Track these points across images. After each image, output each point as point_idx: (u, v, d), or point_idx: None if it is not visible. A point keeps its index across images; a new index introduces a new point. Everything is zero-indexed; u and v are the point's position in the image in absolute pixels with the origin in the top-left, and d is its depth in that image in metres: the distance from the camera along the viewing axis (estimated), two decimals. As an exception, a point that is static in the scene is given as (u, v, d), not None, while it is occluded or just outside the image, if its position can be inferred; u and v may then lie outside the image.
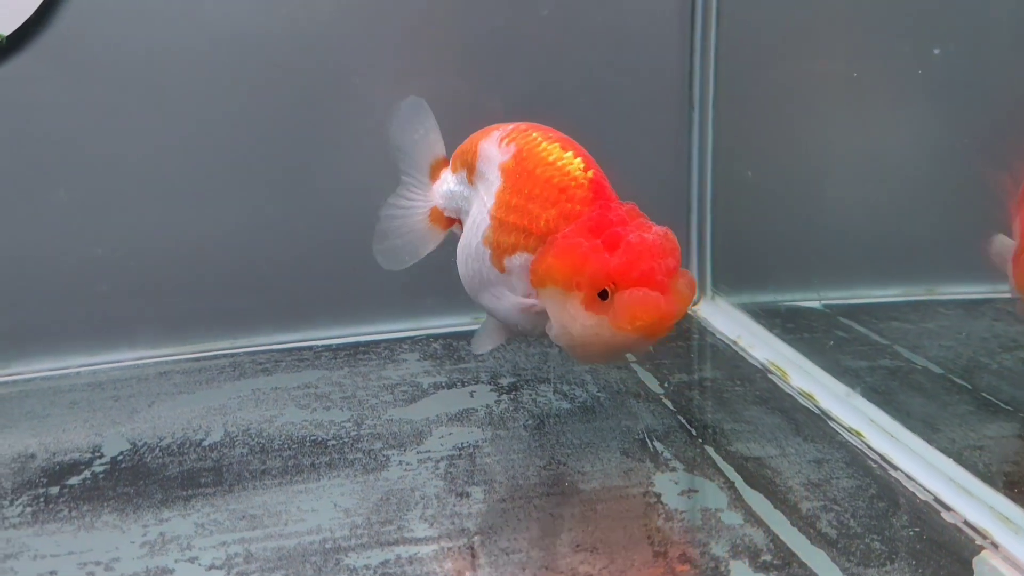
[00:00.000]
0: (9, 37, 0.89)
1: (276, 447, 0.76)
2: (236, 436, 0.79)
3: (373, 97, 0.97)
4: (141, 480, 0.72)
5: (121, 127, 0.95)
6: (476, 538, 0.61)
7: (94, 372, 0.95)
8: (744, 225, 1.07)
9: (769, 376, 0.89)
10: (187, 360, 0.98)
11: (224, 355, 0.99)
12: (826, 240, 1.05)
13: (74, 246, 0.96)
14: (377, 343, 1.01)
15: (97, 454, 0.76)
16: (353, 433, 0.78)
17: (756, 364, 0.92)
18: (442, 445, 0.75)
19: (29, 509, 0.68)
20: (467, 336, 1.00)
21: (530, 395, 0.85)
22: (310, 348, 1.01)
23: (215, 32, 0.95)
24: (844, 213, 1.04)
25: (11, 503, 0.69)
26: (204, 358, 0.98)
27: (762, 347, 0.94)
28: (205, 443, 0.78)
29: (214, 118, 0.97)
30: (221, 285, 1.00)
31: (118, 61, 0.93)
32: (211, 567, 0.59)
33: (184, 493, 0.69)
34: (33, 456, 0.76)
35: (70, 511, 0.67)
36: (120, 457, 0.75)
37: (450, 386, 0.88)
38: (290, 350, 1.00)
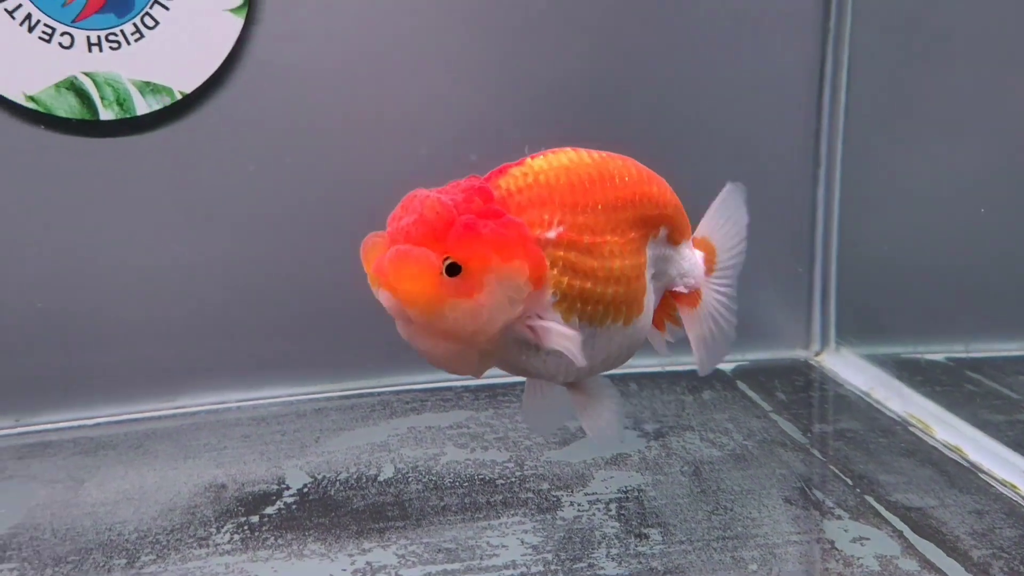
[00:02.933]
0: (189, 95, 0.99)
1: (448, 484, 0.83)
2: (407, 473, 0.86)
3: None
4: (332, 512, 0.79)
5: (276, 180, 1.04)
6: (667, 577, 0.67)
7: (254, 407, 1.04)
8: (868, 277, 1.13)
9: (910, 428, 0.94)
10: (339, 397, 1.06)
11: (372, 393, 1.06)
12: (951, 292, 1.10)
13: (235, 286, 1.05)
14: (514, 385, 1.08)
15: (284, 486, 0.84)
16: (518, 473, 0.85)
17: (894, 416, 0.97)
18: (606, 488, 0.82)
19: (237, 536, 0.75)
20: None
21: (678, 441, 0.91)
22: (450, 388, 1.08)
23: (369, 95, 1.04)
24: (968, 266, 1.10)
25: (217, 530, 0.76)
26: (353, 396, 1.06)
27: (897, 399, 0.99)
28: (380, 479, 0.85)
29: (354, 178, 1.05)
30: (371, 324, 1.08)
31: (281, 120, 1.03)
32: (425, 596, 0.66)
33: (376, 525, 0.76)
34: (224, 486, 0.84)
35: (275, 539, 0.75)
36: (306, 489, 0.83)
37: (598, 430, 0.94)
38: (432, 390, 1.07)
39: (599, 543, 0.72)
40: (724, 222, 0.76)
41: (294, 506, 0.80)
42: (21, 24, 0.93)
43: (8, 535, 0.76)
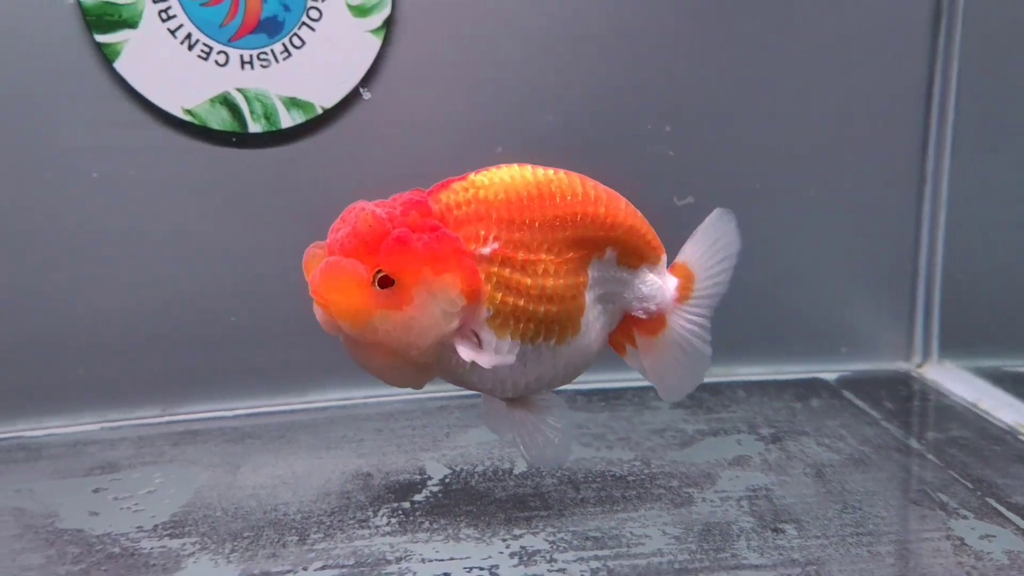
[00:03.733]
0: (329, 109, 1.07)
1: (581, 479, 0.89)
2: (539, 468, 0.91)
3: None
4: (477, 500, 0.85)
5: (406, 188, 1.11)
6: (810, 568, 0.71)
7: (380, 403, 1.10)
8: (973, 291, 1.16)
9: (1020, 437, 0.97)
10: (458, 396, 1.12)
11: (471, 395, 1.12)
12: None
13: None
14: (624, 390, 1.13)
15: (426, 476, 0.90)
16: (646, 471, 0.90)
17: (1003, 426, 1.00)
18: (734, 486, 0.86)
19: (393, 520, 0.82)
20: (708, 388, 1.12)
21: (795, 445, 0.95)
22: (562, 392, 1.13)
23: (489, 96, 1.10)
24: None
25: (374, 514, 0.83)
26: (473, 395, 1.12)
27: (1006, 410, 1.02)
28: (515, 472, 0.91)
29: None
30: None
31: (411, 132, 1.10)
32: (583, 577, 0.71)
33: (522, 515, 0.82)
34: (370, 475, 0.91)
35: (430, 523, 0.81)
36: (447, 480, 0.89)
37: (714, 433, 0.99)
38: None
39: (738, 536, 0.77)
40: (707, 249, 0.74)
41: (440, 494, 0.86)
42: (182, 43, 1.02)
43: (183, 512, 0.84)
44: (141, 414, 1.07)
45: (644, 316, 0.71)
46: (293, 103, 1.06)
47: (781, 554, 0.74)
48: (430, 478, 0.90)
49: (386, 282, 0.59)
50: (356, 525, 0.81)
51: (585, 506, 0.83)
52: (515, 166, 0.66)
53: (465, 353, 0.62)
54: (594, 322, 0.67)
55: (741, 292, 1.18)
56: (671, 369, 0.73)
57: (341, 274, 0.59)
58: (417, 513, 0.83)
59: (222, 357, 1.10)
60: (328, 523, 0.81)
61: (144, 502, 0.86)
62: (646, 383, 1.12)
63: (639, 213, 0.70)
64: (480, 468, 0.92)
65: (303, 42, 1.05)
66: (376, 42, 1.06)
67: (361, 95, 0.80)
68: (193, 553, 0.77)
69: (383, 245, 0.59)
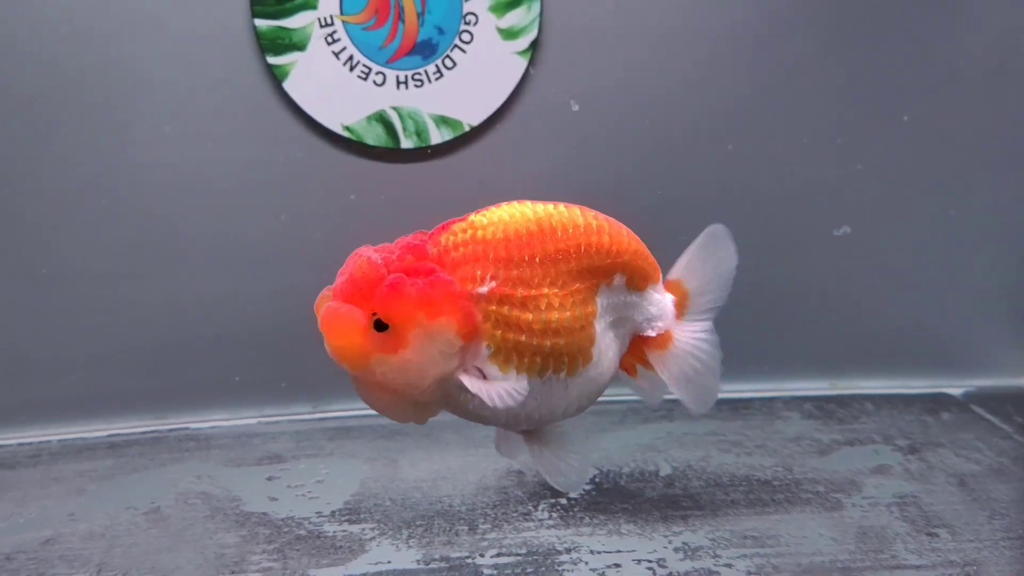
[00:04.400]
0: (475, 127, 1.13)
1: (727, 483, 0.93)
2: (684, 471, 0.96)
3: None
4: (630, 499, 0.89)
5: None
6: (968, 568, 0.74)
7: (517, 407, 1.16)
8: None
9: None
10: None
11: (621, 401, 1.17)
12: None
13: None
14: (751, 400, 1.17)
15: (577, 475, 0.95)
16: (790, 477, 0.94)
17: None
18: (881, 492, 0.89)
19: (555, 514, 0.87)
20: (836, 400, 1.15)
21: (934, 456, 0.98)
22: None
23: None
24: None
25: (535, 508, 0.88)
26: (605, 402, 1.16)
27: None
28: (661, 474, 0.95)
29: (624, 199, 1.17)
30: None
31: (553, 150, 1.15)
32: (750, 572, 0.75)
33: (677, 513, 0.86)
34: (522, 473, 0.96)
35: (590, 519, 0.86)
36: (597, 479, 0.94)
37: (850, 443, 1.02)
38: (663, 402, 1.16)
39: (893, 539, 0.80)
40: (701, 265, 0.77)
41: (593, 492, 0.91)
42: (344, 64, 1.09)
43: (354, 500, 0.90)
44: (295, 410, 1.15)
45: (654, 334, 0.73)
46: (443, 121, 1.13)
47: (938, 556, 0.77)
48: (580, 477, 0.95)
49: (382, 326, 0.63)
50: (520, 518, 0.86)
51: (737, 507, 0.87)
52: (515, 203, 0.69)
53: (472, 385, 0.65)
54: (607, 350, 0.69)
55: (865, 307, 1.22)
56: (689, 379, 0.75)
57: (339, 320, 0.64)
58: (575, 509, 0.88)
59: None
60: (493, 515, 0.87)
61: (316, 490, 0.93)
62: (770, 392, 1.19)
63: (636, 237, 0.73)
64: (627, 470, 0.96)
65: (454, 63, 1.11)
66: (522, 63, 1.12)
67: (572, 107, 0.86)
68: (374, 537, 0.83)
69: (377, 291, 0.63)
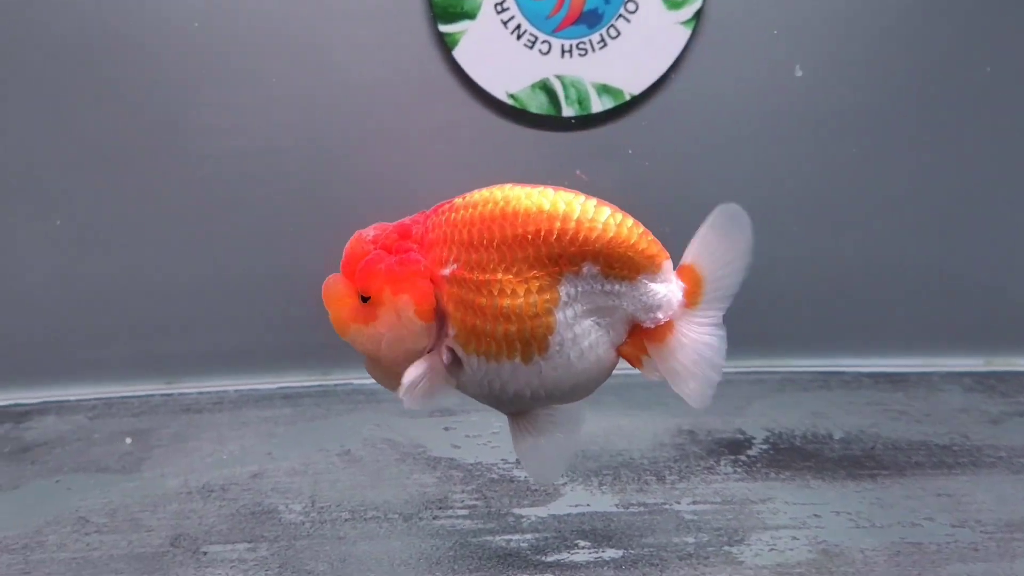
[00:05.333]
0: (636, 96, 1.15)
1: (905, 447, 0.94)
2: (857, 436, 0.97)
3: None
4: (812, 458, 0.91)
5: (711, 171, 1.19)
6: None
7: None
8: None
9: None
10: (735, 372, 1.18)
11: (776, 372, 1.19)
12: None
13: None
14: (907, 375, 1.17)
15: (748, 435, 0.97)
16: (968, 443, 0.94)
17: None
18: (1066, 460, 0.89)
19: (739, 468, 0.89)
20: (996, 376, 1.15)
21: (1114, 430, 0.97)
22: (838, 374, 1.18)
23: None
24: None
25: (716, 463, 0.90)
26: (761, 371, 1.19)
27: None
28: (836, 438, 0.96)
29: (784, 172, 1.18)
30: (770, 308, 1.21)
31: (712, 119, 1.17)
32: (953, 525, 0.76)
33: (863, 472, 0.88)
34: (693, 432, 0.98)
35: (776, 473, 0.88)
36: (772, 439, 0.96)
37: (1021, 415, 1.02)
38: (820, 373, 1.18)
39: (1092, 502, 0.80)
40: (715, 248, 0.70)
41: (771, 451, 0.93)
42: (512, 33, 1.13)
43: (536, 452, 0.93)
44: (452, 371, 1.19)
45: (652, 326, 0.68)
46: (604, 89, 1.15)
47: None
48: (753, 438, 0.97)
49: (365, 299, 0.67)
50: (704, 471, 0.88)
51: (922, 469, 0.88)
52: (504, 186, 0.67)
53: (411, 371, 0.66)
54: (580, 339, 0.66)
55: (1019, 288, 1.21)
56: (692, 373, 0.69)
57: (330, 289, 0.68)
58: (758, 465, 0.90)
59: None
60: (677, 468, 0.89)
61: (495, 440, 0.96)
62: (924, 367, 1.19)
63: (630, 223, 0.68)
64: (799, 432, 0.98)
65: (619, 33, 1.14)
66: (686, 33, 1.14)
67: (796, 72, 0.83)
68: (565, 483, 0.86)
69: (359, 267, 0.67)
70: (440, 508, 0.82)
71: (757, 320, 1.23)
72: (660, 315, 0.67)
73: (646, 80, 1.16)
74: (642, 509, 0.81)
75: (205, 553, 0.74)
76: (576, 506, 0.82)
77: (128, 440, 0.98)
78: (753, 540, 0.76)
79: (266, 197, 1.14)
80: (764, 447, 0.94)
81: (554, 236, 0.65)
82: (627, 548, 0.74)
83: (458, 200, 0.68)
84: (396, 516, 0.80)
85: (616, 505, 0.82)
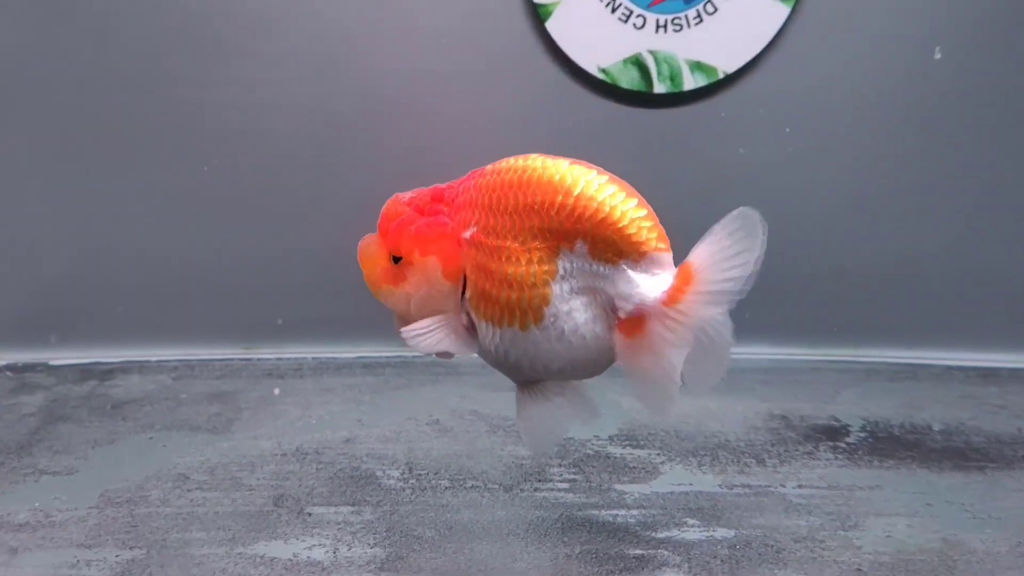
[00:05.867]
0: (730, 74, 1.13)
1: (1009, 440, 0.91)
2: (957, 428, 0.94)
3: None
4: (914, 448, 0.89)
5: (789, 157, 1.17)
6: None
7: (750, 360, 1.16)
8: None
9: None
10: (807, 361, 1.16)
11: (860, 361, 1.16)
12: None
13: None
14: (997, 370, 1.14)
15: (843, 423, 0.95)
16: (1068, 436, 0.92)
17: None
18: None
19: (839, 454, 0.87)
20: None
21: None
22: (925, 366, 1.15)
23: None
24: None
25: (815, 448, 0.89)
26: (844, 360, 1.17)
27: None
28: (936, 429, 0.94)
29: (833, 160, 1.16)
30: (849, 297, 1.19)
31: (806, 100, 1.15)
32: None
33: (970, 464, 0.86)
34: (786, 417, 0.97)
35: (878, 462, 0.86)
36: (869, 428, 0.94)
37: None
38: (907, 365, 1.16)
39: None
40: (719, 251, 0.63)
41: (870, 439, 0.91)
42: (607, 6, 1.11)
43: (627, 429, 0.92)
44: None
45: (622, 315, 0.64)
46: (697, 66, 1.13)
47: None
48: (849, 425, 0.95)
49: (397, 259, 0.68)
50: (804, 456, 0.87)
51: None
52: (531, 156, 0.67)
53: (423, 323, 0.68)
54: (572, 314, 0.65)
55: None
56: (642, 377, 0.64)
57: (365, 249, 0.70)
58: (860, 452, 0.88)
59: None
60: (776, 452, 0.88)
61: (584, 418, 0.95)
62: (1013, 363, 1.17)
63: (630, 206, 0.64)
64: (896, 421, 0.96)
65: (715, 9, 1.12)
66: (785, 11, 1.11)
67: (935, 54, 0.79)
68: (664, 462, 0.85)
69: (391, 227, 0.69)
70: (540, 481, 0.81)
71: (843, 309, 1.21)
72: (629, 306, 0.64)
73: (741, 58, 1.13)
74: (746, 490, 0.79)
75: (310, 514, 0.74)
76: (679, 485, 0.80)
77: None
78: (868, 526, 0.74)
79: (352, 169, 1.13)
80: (862, 435, 0.92)
81: (555, 209, 0.64)
82: (738, 528, 0.73)
83: (489, 167, 0.68)
84: (496, 487, 0.80)
85: (719, 485, 0.80)
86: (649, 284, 0.64)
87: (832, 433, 0.93)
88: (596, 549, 0.70)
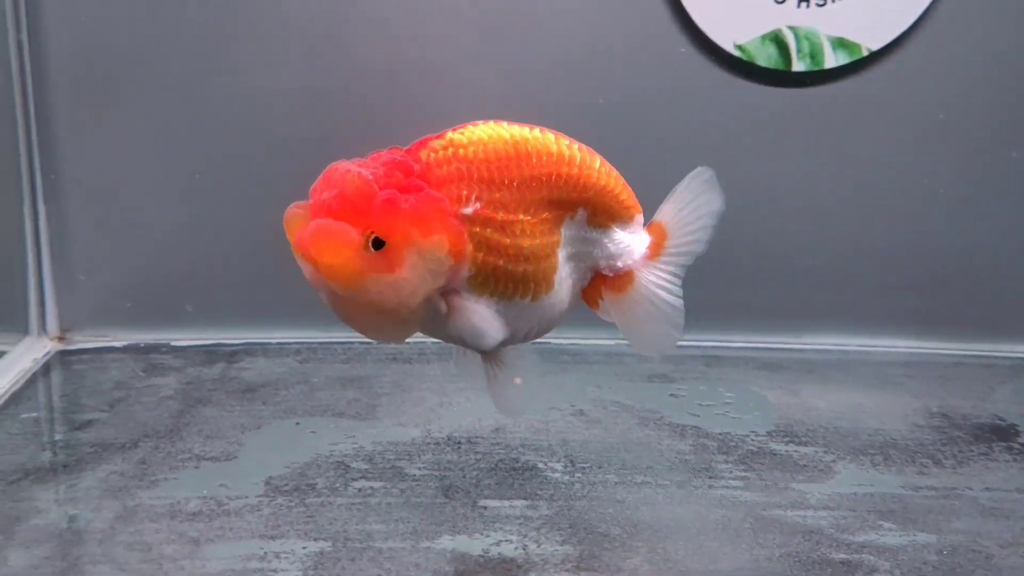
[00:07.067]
0: (874, 52, 1.09)
1: None
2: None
3: None
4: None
5: (951, 135, 1.12)
6: None
7: (871, 352, 1.13)
8: None
9: None
10: (973, 355, 1.13)
11: (981, 355, 1.13)
12: None
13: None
14: None
15: (1007, 421, 0.92)
16: None
17: None
18: None
19: (1018, 456, 0.84)
20: None
21: None
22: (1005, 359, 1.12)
23: None
24: None
25: (990, 448, 0.85)
26: (967, 356, 1.13)
27: None
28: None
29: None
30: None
31: (952, 80, 1.10)
32: None
33: None
34: (946, 415, 0.93)
35: (1061, 464, 0.83)
36: (1039, 428, 0.91)
37: None
38: None
39: None
40: (683, 207, 0.73)
41: (1039, 442, 0.88)
42: (747, -21, 1.07)
43: (783, 424, 0.89)
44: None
45: (611, 274, 0.71)
46: (840, 43, 1.09)
47: None
48: (1016, 424, 0.91)
49: (378, 244, 0.60)
50: (981, 457, 0.84)
51: None
52: (491, 123, 0.67)
53: (468, 317, 0.65)
54: (565, 279, 0.68)
55: None
56: (643, 325, 0.73)
57: (332, 237, 0.60)
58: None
59: (742, 292, 1.15)
60: (951, 452, 0.84)
61: (731, 411, 0.92)
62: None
63: (615, 172, 0.70)
64: (1062, 421, 0.92)
65: (863, -17, 1.08)
66: (936, -15, 1.07)
67: None
68: (834, 460, 0.82)
69: (373, 207, 0.60)
70: (710, 477, 0.78)
71: (982, 303, 1.17)
72: (619, 264, 0.71)
73: (887, 35, 1.09)
74: (933, 493, 0.76)
75: (484, 508, 0.72)
76: (859, 485, 0.78)
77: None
78: (1081, 534, 0.71)
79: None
80: (1030, 437, 0.89)
81: (563, 180, 0.67)
82: (939, 533, 0.70)
83: (454, 136, 0.65)
84: (667, 483, 0.77)
85: (902, 487, 0.77)
86: (635, 243, 0.72)
87: (1002, 433, 0.89)
88: (796, 552, 0.67)
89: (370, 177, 0.61)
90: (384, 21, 1.07)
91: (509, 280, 0.65)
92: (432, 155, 0.64)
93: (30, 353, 1.02)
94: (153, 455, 0.79)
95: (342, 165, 0.62)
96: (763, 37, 1.09)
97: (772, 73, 1.10)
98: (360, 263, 0.60)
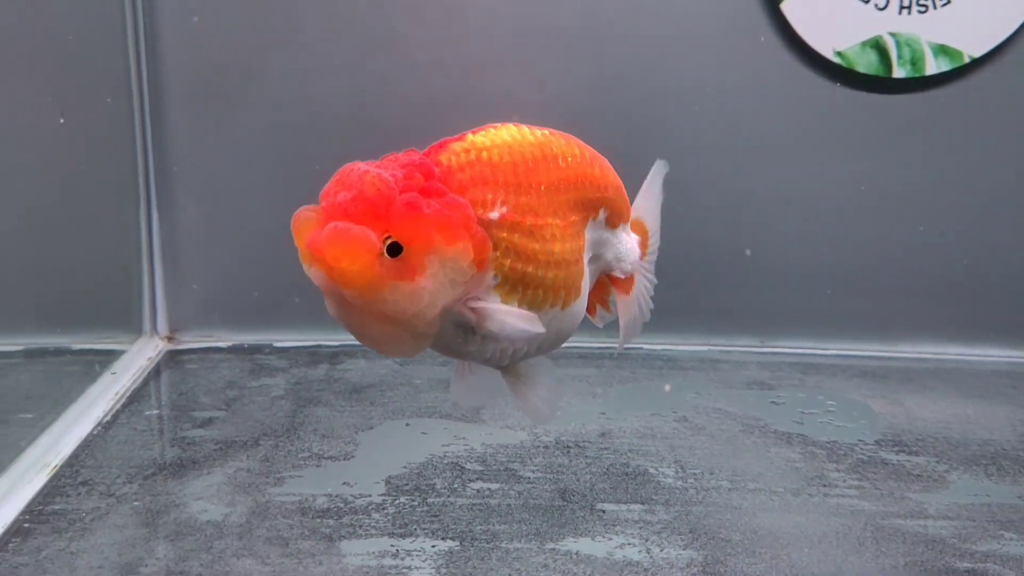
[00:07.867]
0: (977, 59, 1.08)
1: None
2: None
3: None
4: None
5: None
6: None
7: (971, 361, 1.13)
8: None
9: None
10: None
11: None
12: None
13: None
14: None
15: None
16: None
17: None
18: None
19: None
20: None
21: None
22: None
23: None
24: None
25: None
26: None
27: None
28: None
29: None
30: None
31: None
32: None
33: None
34: None
35: None
36: None
37: None
38: None
39: None
40: (652, 203, 0.75)
41: None
42: (847, -14, 1.08)
43: (891, 433, 0.90)
44: (743, 341, 1.16)
45: (621, 275, 0.71)
46: (942, 50, 1.08)
47: None
48: None
49: (395, 250, 0.56)
50: (1093, 470, 0.83)
51: None
52: (511, 126, 0.64)
53: (500, 316, 0.60)
54: (587, 286, 0.67)
55: None
56: (632, 327, 0.75)
57: (351, 241, 0.55)
58: None
59: (838, 300, 1.16)
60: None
61: (835, 419, 0.93)
62: None
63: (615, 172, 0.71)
64: None
65: (967, -11, 1.07)
66: (1043, -9, 1.06)
67: None
68: (948, 470, 0.82)
69: (393, 211, 0.56)
70: (824, 486, 0.79)
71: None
72: (628, 265, 0.72)
73: (990, 42, 1.08)
74: (1054, 505, 0.76)
75: (603, 511, 0.74)
76: (975, 495, 0.78)
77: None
78: None
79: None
80: None
81: (588, 181, 0.66)
82: (1065, 546, 0.70)
83: (475, 139, 0.62)
84: (781, 490, 0.78)
85: (1019, 497, 0.77)
86: (634, 244, 0.73)
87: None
88: (921, 561, 0.68)
89: (389, 179, 0.58)
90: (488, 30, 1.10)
91: (539, 287, 0.62)
92: (453, 158, 0.61)
93: (145, 352, 1.07)
94: (275, 453, 0.82)
95: (358, 166, 0.59)
96: (863, 44, 1.09)
97: (872, 80, 1.11)
98: (379, 269, 0.56)
